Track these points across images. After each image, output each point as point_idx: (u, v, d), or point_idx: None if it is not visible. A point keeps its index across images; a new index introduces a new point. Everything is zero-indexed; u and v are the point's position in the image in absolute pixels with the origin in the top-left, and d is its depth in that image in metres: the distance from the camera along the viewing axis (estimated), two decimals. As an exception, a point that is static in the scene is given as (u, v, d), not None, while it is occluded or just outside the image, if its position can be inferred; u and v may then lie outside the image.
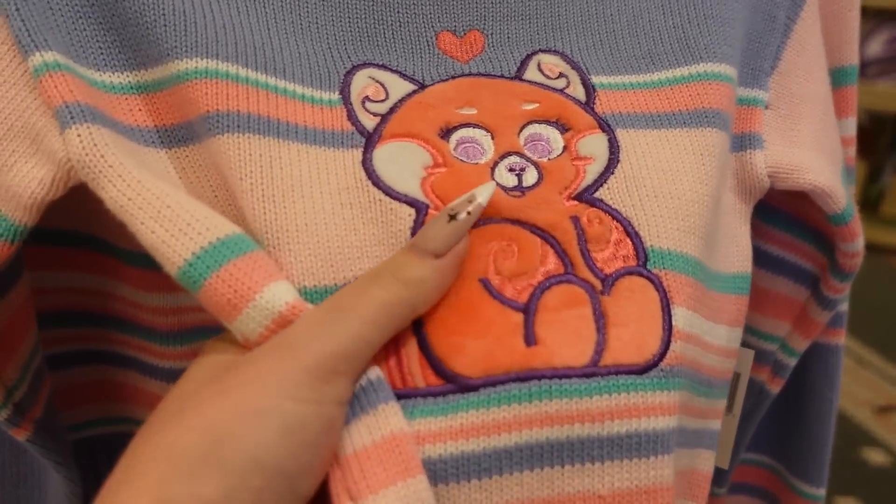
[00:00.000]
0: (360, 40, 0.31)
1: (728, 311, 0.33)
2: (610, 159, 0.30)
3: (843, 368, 0.44)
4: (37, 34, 0.28)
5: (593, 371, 0.26)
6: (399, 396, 0.25)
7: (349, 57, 0.31)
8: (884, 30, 2.57)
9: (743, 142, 0.34)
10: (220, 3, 0.30)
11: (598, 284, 0.27)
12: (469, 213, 0.26)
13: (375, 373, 0.25)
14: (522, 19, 0.33)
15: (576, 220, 0.28)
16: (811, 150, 0.35)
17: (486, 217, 0.28)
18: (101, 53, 0.29)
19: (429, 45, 0.32)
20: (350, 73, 0.31)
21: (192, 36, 0.28)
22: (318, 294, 0.27)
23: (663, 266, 0.28)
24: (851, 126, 0.40)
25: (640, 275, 0.28)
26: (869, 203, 2.77)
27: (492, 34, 0.32)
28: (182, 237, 0.25)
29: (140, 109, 0.29)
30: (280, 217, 0.27)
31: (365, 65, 0.31)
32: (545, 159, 0.30)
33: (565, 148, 0.30)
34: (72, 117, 0.26)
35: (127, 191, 0.26)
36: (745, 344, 0.41)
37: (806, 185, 0.34)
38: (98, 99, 0.28)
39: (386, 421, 0.24)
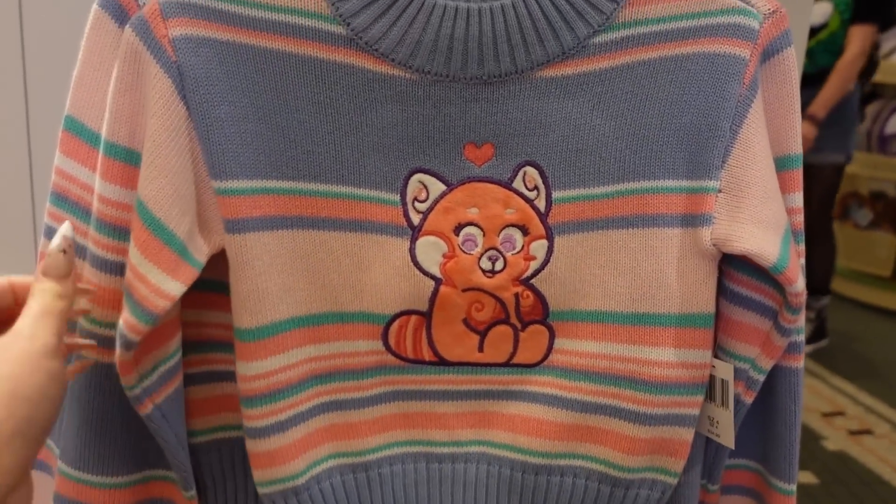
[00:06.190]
0: (416, 152, 0.50)
1: (673, 339, 0.52)
2: (544, 260, 0.51)
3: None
4: (218, 164, 0.46)
5: (506, 363, 0.54)
6: (413, 361, 0.53)
7: (407, 164, 0.50)
8: (906, 107, 2.65)
9: (696, 220, 0.50)
10: (328, 134, 0.48)
11: (519, 326, 0.53)
12: (65, 243, 0.41)
13: None
14: (522, 137, 0.49)
15: (517, 295, 0.52)
16: (749, 222, 0.49)
17: (473, 286, 0.51)
18: (259, 166, 0.48)
19: (458, 153, 0.50)
20: (407, 177, 0.50)
21: (322, 166, 0.49)
22: (369, 315, 0.52)
23: (558, 319, 0.53)
24: (798, 199, 0.53)
25: (541, 323, 0.53)
26: (898, 273, 2.81)
27: (500, 146, 0.50)
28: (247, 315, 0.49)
29: (269, 205, 0.49)
30: (364, 276, 0.51)
31: (417, 170, 0.50)
32: (510, 253, 0.51)
33: (523, 247, 0.51)
34: (230, 230, 0.48)
35: (240, 282, 0.48)
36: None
37: (737, 251, 0.49)
38: (246, 203, 0.47)
39: None
